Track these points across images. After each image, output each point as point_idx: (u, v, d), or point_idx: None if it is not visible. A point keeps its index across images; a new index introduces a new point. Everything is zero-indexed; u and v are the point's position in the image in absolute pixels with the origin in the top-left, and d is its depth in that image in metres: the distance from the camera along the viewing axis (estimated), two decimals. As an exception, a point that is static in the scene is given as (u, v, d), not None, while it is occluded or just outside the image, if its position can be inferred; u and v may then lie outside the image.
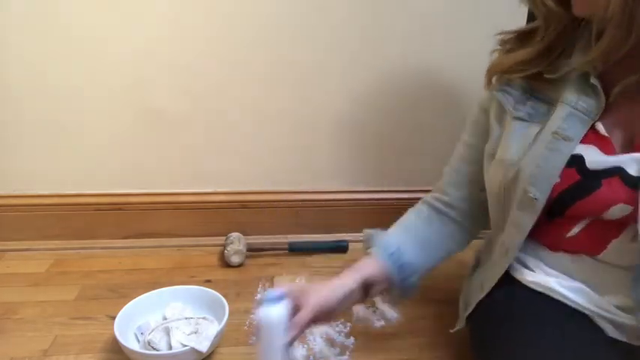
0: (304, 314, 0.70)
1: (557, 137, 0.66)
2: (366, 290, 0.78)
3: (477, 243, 0.94)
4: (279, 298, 0.67)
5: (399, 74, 1.17)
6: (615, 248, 0.67)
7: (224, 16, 1.08)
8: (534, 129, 0.69)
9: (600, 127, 0.66)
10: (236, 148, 1.20)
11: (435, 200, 0.87)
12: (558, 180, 0.66)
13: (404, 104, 1.20)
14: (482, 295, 0.78)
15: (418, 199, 1.10)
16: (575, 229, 0.69)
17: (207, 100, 1.15)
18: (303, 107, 1.18)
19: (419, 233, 0.85)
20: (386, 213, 1.11)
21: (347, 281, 0.76)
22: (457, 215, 0.85)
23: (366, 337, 0.92)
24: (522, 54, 0.71)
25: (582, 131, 0.66)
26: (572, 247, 0.70)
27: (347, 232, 1.26)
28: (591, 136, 0.66)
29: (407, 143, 1.24)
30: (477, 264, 0.90)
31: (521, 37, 0.73)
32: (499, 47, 0.76)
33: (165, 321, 0.87)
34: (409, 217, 0.88)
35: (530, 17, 0.76)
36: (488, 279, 0.78)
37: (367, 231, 0.88)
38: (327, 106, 1.18)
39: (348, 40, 1.13)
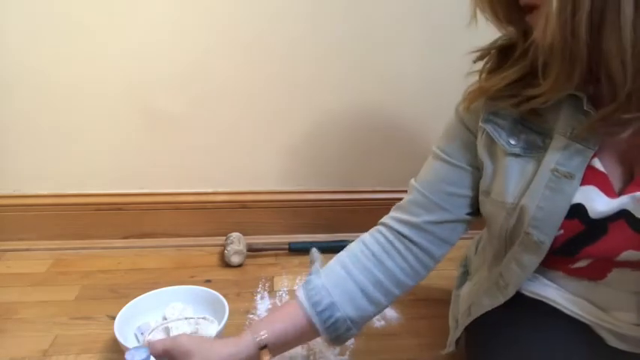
0: None
1: (558, 175, 0.61)
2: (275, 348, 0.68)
3: (464, 243, 0.93)
4: None
5: (400, 75, 1.17)
6: (616, 276, 0.64)
7: (224, 17, 1.08)
8: (531, 165, 0.64)
9: (597, 164, 0.60)
10: (236, 148, 1.20)
11: (397, 222, 0.73)
12: (561, 232, 0.62)
13: (405, 105, 1.20)
14: (469, 320, 0.75)
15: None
16: (580, 264, 0.66)
17: (207, 100, 1.15)
18: (303, 108, 1.18)
19: (365, 277, 0.71)
20: (386, 213, 1.10)
21: (242, 347, 0.66)
22: (424, 240, 0.72)
23: (366, 337, 0.92)
24: (506, 76, 0.64)
25: (582, 166, 0.60)
26: (572, 273, 0.67)
27: (347, 232, 1.26)
28: (589, 175, 0.60)
29: (407, 143, 1.24)
30: (465, 273, 0.88)
31: (501, 53, 0.66)
32: (477, 68, 0.69)
33: (165, 321, 0.87)
34: (357, 255, 0.73)
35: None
36: (477, 306, 0.74)
37: (313, 253, 0.79)
38: (327, 106, 1.18)
39: (349, 41, 1.13)
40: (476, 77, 0.69)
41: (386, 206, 1.11)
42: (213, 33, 1.09)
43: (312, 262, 0.75)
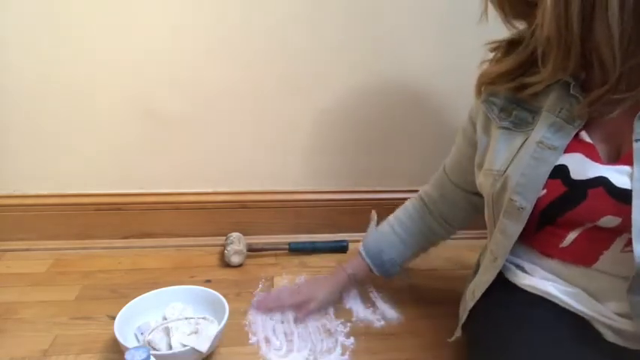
0: (313, 305, 0.94)
1: (542, 146, 0.67)
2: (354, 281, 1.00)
3: (480, 246, 0.95)
4: None
5: (399, 75, 1.17)
6: (607, 259, 0.66)
7: (225, 18, 1.08)
8: (519, 138, 0.71)
9: (584, 136, 0.67)
10: (236, 148, 1.20)
11: (424, 194, 0.97)
12: (544, 192, 0.66)
13: (405, 105, 1.20)
14: (473, 303, 0.78)
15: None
16: (569, 238, 0.68)
17: (207, 100, 1.15)
18: (303, 108, 1.18)
19: (403, 229, 0.96)
20: (386, 213, 1.10)
21: (342, 280, 0.98)
22: (436, 211, 0.94)
23: (366, 337, 0.92)
24: (506, 64, 0.73)
25: (566, 140, 0.67)
26: (565, 257, 0.70)
27: (347, 232, 1.26)
28: (575, 145, 0.67)
29: (407, 143, 1.24)
30: (476, 270, 0.89)
31: (510, 46, 0.74)
32: (488, 57, 0.77)
33: (165, 321, 0.87)
34: (399, 212, 0.99)
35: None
36: (478, 286, 0.78)
37: (371, 223, 1.01)
38: (327, 106, 1.18)
39: (349, 41, 1.12)
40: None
41: (386, 206, 1.12)
42: (214, 34, 1.09)
43: (371, 221, 1.02)
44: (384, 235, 0.98)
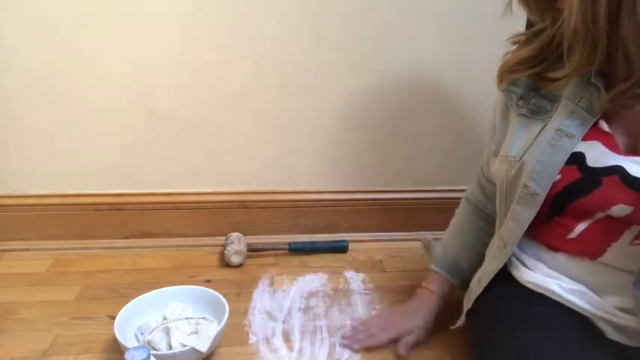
0: (411, 339, 0.86)
1: (560, 134, 0.67)
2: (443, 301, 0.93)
3: None
4: None
5: (400, 75, 1.17)
6: (614, 252, 0.67)
7: (224, 18, 1.08)
8: (537, 126, 0.71)
9: (604, 125, 0.67)
10: (236, 148, 1.20)
11: (470, 195, 0.96)
12: (559, 177, 0.67)
13: (405, 105, 1.20)
14: (479, 291, 0.78)
15: (418, 199, 1.11)
16: (578, 229, 0.68)
17: (208, 100, 1.15)
18: (303, 107, 1.18)
19: (466, 238, 0.94)
20: (386, 213, 1.11)
21: (432, 304, 0.91)
22: (486, 209, 0.92)
23: (366, 337, 0.91)
24: (525, 51, 0.73)
25: (584, 128, 0.67)
26: (571, 250, 0.70)
27: (347, 232, 1.26)
28: (594, 133, 0.67)
29: (407, 143, 1.24)
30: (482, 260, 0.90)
31: (530, 38, 0.74)
32: (510, 50, 0.77)
33: (165, 321, 0.87)
34: (457, 222, 0.97)
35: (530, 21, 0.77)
36: (486, 274, 0.78)
37: (425, 238, 1.00)
38: (327, 106, 1.18)
39: (350, 42, 1.12)
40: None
41: (386, 206, 1.11)
42: (214, 34, 1.09)
43: (426, 247, 1.00)
44: (449, 245, 0.95)
